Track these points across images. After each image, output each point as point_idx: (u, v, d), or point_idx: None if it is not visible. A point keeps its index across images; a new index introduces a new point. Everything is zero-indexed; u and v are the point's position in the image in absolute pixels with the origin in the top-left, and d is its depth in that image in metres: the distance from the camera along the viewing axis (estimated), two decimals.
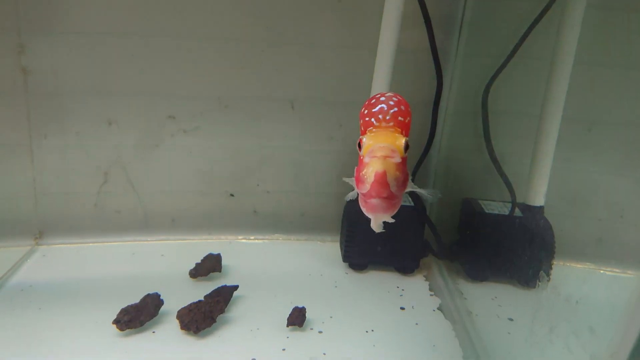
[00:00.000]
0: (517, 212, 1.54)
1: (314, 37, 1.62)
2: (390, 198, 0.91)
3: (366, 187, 0.88)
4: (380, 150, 0.86)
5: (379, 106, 0.92)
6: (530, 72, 1.56)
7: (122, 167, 1.65)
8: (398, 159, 0.87)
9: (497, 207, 1.59)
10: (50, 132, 1.57)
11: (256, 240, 1.78)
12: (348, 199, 1.12)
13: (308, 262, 1.67)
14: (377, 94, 0.97)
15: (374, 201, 0.91)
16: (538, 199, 1.51)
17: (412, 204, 1.59)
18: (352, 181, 1.03)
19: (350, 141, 1.75)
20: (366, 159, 0.87)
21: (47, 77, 1.51)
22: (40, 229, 1.65)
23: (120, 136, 1.62)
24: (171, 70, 1.59)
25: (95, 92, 1.56)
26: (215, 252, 1.56)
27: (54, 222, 1.66)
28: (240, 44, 1.60)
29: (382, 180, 0.86)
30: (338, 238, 1.77)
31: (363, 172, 0.89)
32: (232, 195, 1.75)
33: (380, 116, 0.91)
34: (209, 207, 1.75)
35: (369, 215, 1.01)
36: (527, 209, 1.52)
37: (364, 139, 0.90)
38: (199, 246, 1.70)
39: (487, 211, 1.55)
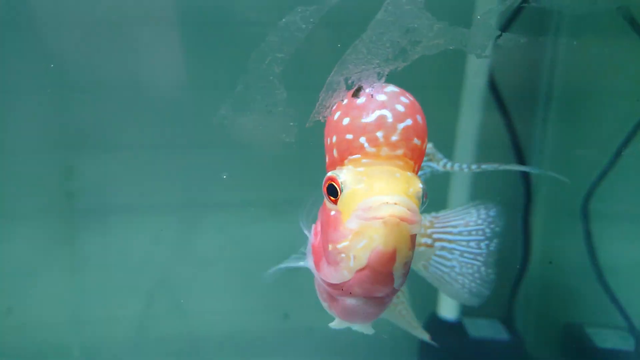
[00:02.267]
0: (634, 342, 1.40)
1: None
2: (385, 296, 0.61)
3: (343, 276, 0.58)
4: (390, 208, 0.53)
5: (377, 114, 0.57)
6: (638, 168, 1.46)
7: (168, 287, 1.62)
8: (418, 226, 0.54)
9: (608, 337, 1.43)
10: (94, 253, 1.57)
11: None
12: (335, 327, 0.78)
13: None
14: (359, 85, 0.60)
15: (356, 303, 0.62)
16: None
17: (507, 336, 1.44)
18: (303, 259, 0.71)
19: None
20: (353, 222, 0.55)
21: (92, 196, 1.54)
22: None
23: (166, 253, 1.61)
24: (221, 179, 1.57)
25: (141, 207, 1.57)
26: None
27: (95, 353, 1.63)
28: (294, 148, 1.63)
29: (387, 266, 0.55)
30: None
31: (341, 246, 0.57)
32: (286, 315, 1.72)
33: (379, 134, 0.57)
34: (260, 328, 1.68)
35: (339, 319, 0.73)
36: None
37: (343, 177, 0.57)
38: None
39: (597, 345, 1.40)
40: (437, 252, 0.81)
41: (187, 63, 1.47)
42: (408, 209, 0.53)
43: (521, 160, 1.51)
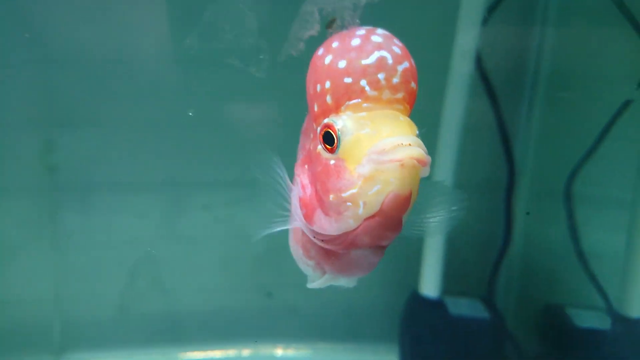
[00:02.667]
0: (610, 323, 1.43)
1: None
2: (388, 244, 0.61)
3: (349, 225, 0.57)
4: (407, 150, 0.52)
5: (376, 55, 0.56)
6: (621, 152, 1.46)
7: (150, 264, 1.62)
8: (428, 168, 0.55)
9: (587, 317, 1.46)
10: (76, 230, 1.56)
11: (297, 352, 1.70)
12: (316, 286, 0.75)
13: None
14: (352, 29, 0.59)
15: (361, 253, 0.62)
16: (635, 309, 1.38)
17: (488, 315, 1.46)
18: (285, 211, 0.68)
19: None
20: (365, 168, 0.54)
21: (74, 172, 1.53)
22: (61, 341, 1.61)
23: (150, 230, 1.61)
24: (206, 158, 1.58)
25: (125, 184, 1.56)
26: None
27: (76, 332, 1.62)
28: (277, 125, 1.63)
29: (401, 211, 0.55)
30: (394, 347, 1.62)
31: (347, 194, 0.55)
32: (270, 294, 1.73)
33: (381, 76, 0.55)
34: (244, 307, 1.70)
35: (326, 277, 0.71)
36: (623, 321, 1.39)
37: (342, 123, 0.56)
38: None
39: (577, 325, 1.43)
40: None
41: (174, 40, 1.45)
42: (422, 150, 0.54)
43: (507, 143, 1.52)
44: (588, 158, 1.43)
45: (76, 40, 1.42)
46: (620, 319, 1.39)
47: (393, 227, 0.57)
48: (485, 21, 1.36)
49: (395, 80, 0.55)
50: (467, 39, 1.33)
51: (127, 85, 1.48)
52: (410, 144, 0.52)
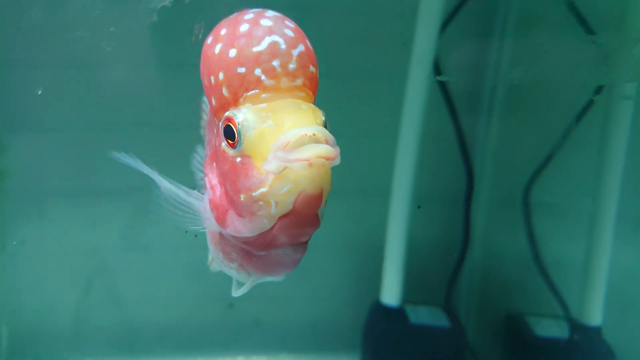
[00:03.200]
0: (569, 331, 1.43)
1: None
2: (308, 239, 0.61)
3: (263, 225, 0.55)
4: (314, 148, 0.51)
5: (267, 40, 0.53)
6: (579, 161, 1.48)
7: (107, 274, 1.58)
8: (338, 159, 0.53)
9: (547, 326, 1.46)
10: (28, 238, 1.51)
11: None
12: (242, 292, 0.75)
13: None
14: (240, 12, 0.57)
15: (282, 252, 0.60)
16: (594, 317, 1.40)
17: (448, 323, 1.45)
18: (195, 212, 0.69)
19: (370, 232, 1.63)
20: (272, 164, 0.52)
21: (25, 178, 1.48)
22: (8, 353, 1.54)
23: (106, 239, 1.56)
24: (166, 163, 1.58)
25: (80, 191, 1.53)
26: None
27: (25, 344, 1.56)
28: None
29: (315, 209, 0.54)
30: (358, 357, 1.59)
31: (258, 193, 0.53)
32: (231, 305, 1.69)
33: (275, 63, 0.53)
34: (204, 318, 1.66)
35: (253, 277, 0.70)
36: (582, 329, 1.40)
37: (242, 116, 0.53)
38: None
39: (537, 333, 1.43)
40: None
41: (129, 41, 1.43)
42: (327, 141, 0.52)
43: (465, 152, 1.53)
44: (545, 167, 1.45)
45: (25, 43, 1.39)
46: (579, 328, 1.40)
47: (309, 223, 0.56)
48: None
49: (292, 66, 0.53)
50: (424, 49, 1.34)
51: (81, 88, 1.45)
52: (314, 134, 0.51)
